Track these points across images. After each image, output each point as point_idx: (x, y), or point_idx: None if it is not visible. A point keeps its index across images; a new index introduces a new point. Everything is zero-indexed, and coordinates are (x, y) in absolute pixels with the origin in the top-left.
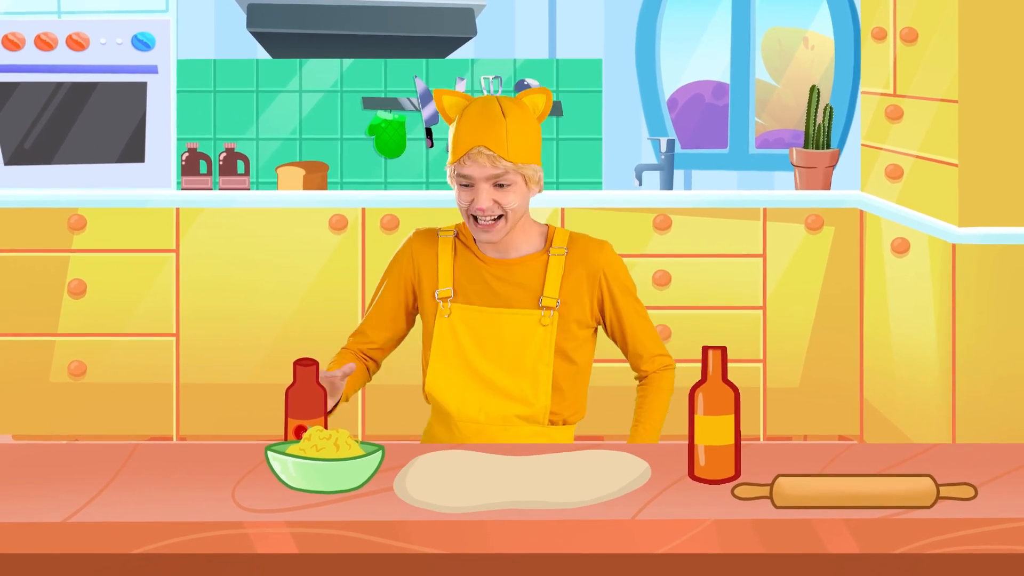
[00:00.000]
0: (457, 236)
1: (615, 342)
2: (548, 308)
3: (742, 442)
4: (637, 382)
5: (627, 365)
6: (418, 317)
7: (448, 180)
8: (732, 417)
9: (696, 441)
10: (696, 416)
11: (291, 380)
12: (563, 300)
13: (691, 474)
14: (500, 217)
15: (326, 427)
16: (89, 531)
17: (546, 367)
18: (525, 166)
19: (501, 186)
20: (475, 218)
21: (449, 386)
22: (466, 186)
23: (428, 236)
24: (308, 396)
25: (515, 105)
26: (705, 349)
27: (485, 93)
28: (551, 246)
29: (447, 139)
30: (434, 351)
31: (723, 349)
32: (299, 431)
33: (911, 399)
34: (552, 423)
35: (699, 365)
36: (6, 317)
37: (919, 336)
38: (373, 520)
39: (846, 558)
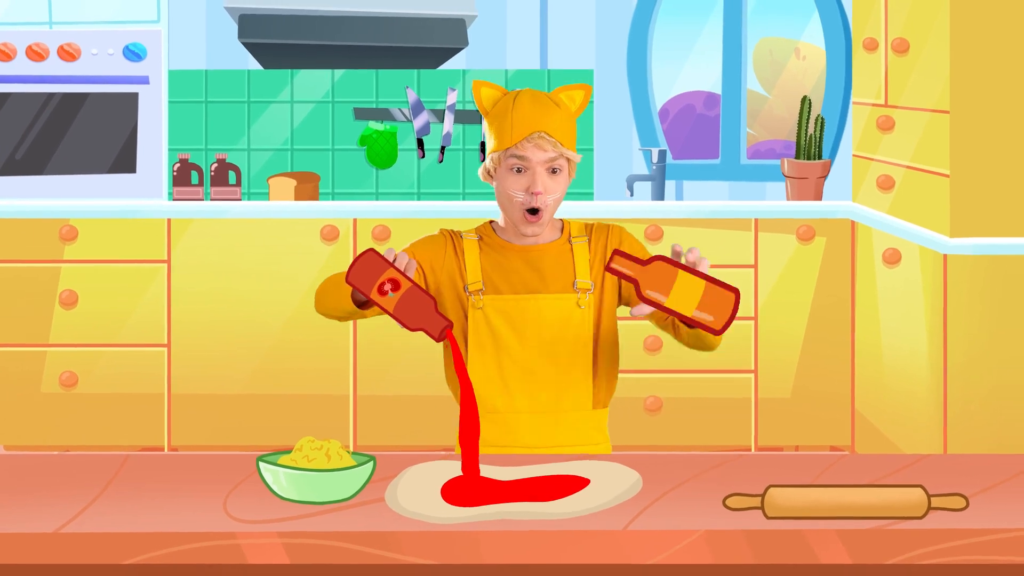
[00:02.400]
0: (480, 239)
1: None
2: (584, 291)
3: (733, 452)
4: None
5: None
6: None
7: (486, 172)
8: (680, 271)
9: (683, 312)
10: (663, 304)
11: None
12: (595, 283)
13: (714, 327)
14: (537, 211)
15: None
16: (81, 542)
17: (586, 349)
18: (574, 154)
19: (553, 171)
20: (529, 212)
21: (491, 379)
22: (519, 170)
23: (454, 235)
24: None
25: (558, 98)
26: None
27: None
28: (571, 236)
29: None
30: (471, 345)
31: (616, 251)
32: (381, 288)
33: (903, 409)
34: (596, 406)
35: (690, 376)
36: None
37: (911, 347)
38: (364, 531)
39: (838, 569)
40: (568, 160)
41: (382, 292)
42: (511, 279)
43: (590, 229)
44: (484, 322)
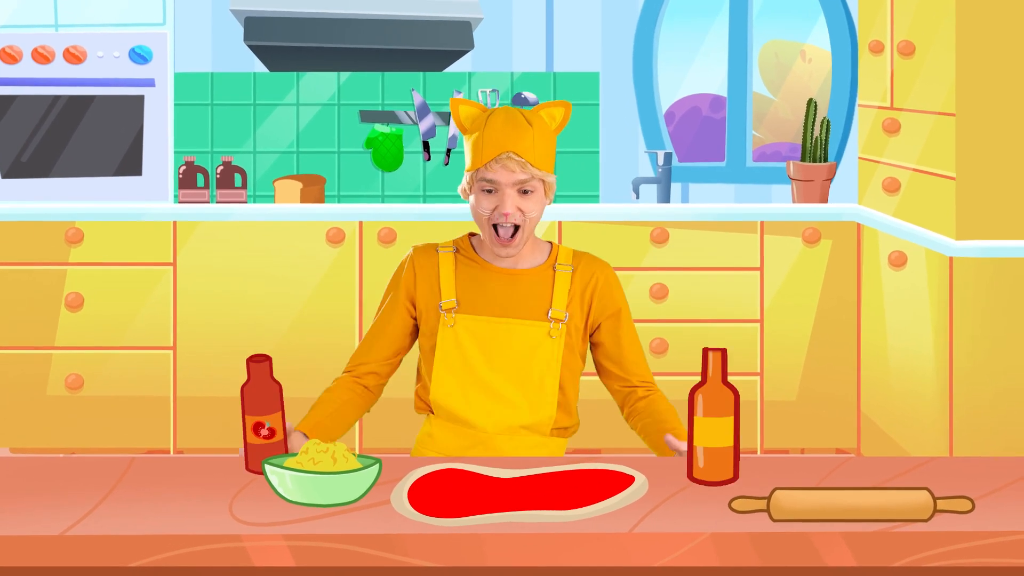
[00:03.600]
0: (457, 251)
1: (604, 364)
2: (557, 320)
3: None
4: (627, 405)
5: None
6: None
7: (463, 189)
8: (731, 419)
9: (695, 443)
10: (696, 418)
11: (246, 378)
12: (570, 314)
13: (690, 476)
14: (517, 230)
15: (283, 422)
16: (86, 544)
17: (553, 378)
18: (547, 174)
19: (525, 192)
20: (495, 229)
21: (454, 394)
22: (489, 191)
23: (427, 251)
24: (264, 391)
25: (536, 116)
26: (705, 351)
27: (485, 105)
28: (556, 262)
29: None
30: (438, 361)
31: (723, 351)
32: (257, 427)
33: (908, 412)
34: (553, 434)
35: (696, 379)
36: (3, 330)
37: (916, 349)
38: (370, 533)
39: (844, 571)
40: (542, 181)
41: (256, 430)
42: (485, 300)
43: (578, 259)
44: (454, 340)
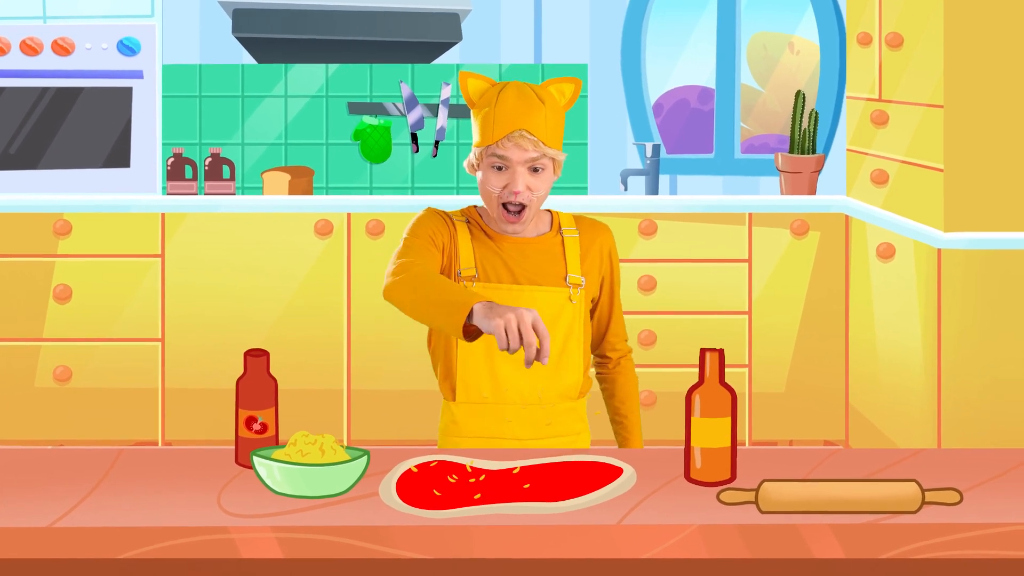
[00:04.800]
0: (468, 222)
1: (592, 322)
2: (575, 286)
3: None
4: (599, 365)
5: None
6: None
7: (470, 164)
8: (729, 420)
9: (692, 443)
10: (693, 418)
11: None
12: (585, 278)
13: (687, 476)
14: (523, 208)
15: (276, 417)
16: (75, 536)
17: (577, 342)
18: (558, 152)
19: (535, 170)
20: (503, 206)
21: (481, 367)
22: (499, 168)
23: (446, 215)
24: (259, 386)
25: (547, 93)
26: (703, 351)
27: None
28: (561, 227)
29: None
30: None
31: (720, 352)
32: (250, 421)
33: (897, 404)
34: (579, 397)
35: (684, 370)
36: None
37: (905, 341)
38: (358, 525)
39: (832, 563)
40: (552, 159)
41: (249, 424)
42: (503, 269)
43: (580, 222)
44: None
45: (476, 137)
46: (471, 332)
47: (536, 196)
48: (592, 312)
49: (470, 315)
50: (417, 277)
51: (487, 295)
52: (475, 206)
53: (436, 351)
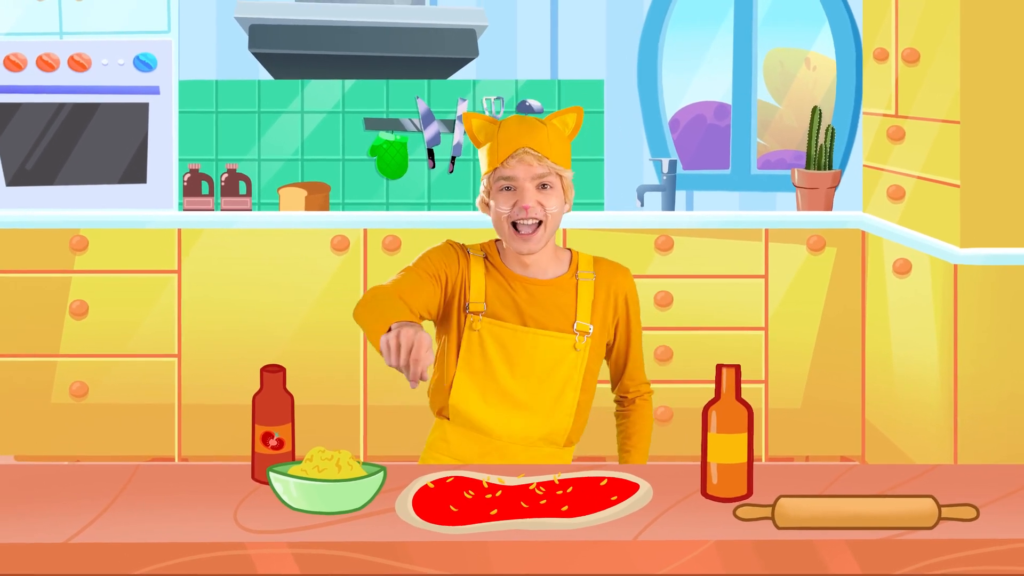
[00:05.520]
0: (486, 258)
1: (609, 363)
2: (582, 334)
3: None
4: (618, 404)
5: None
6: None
7: (481, 200)
8: (745, 435)
9: (709, 459)
10: (709, 434)
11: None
12: (594, 327)
13: (704, 492)
14: (539, 224)
15: (292, 433)
16: (91, 552)
17: (573, 391)
18: (565, 169)
19: (543, 187)
20: (515, 227)
21: (473, 399)
22: (508, 189)
23: (462, 248)
24: (276, 402)
25: (549, 121)
26: (719, 367)
27: (487, 114)
28: (578, 270)
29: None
30: (461, 363)
31: (737, 367)
32: (266, 437)
33: (913, 420)
34: (566, 444)
35: (701, 386)
36: (8, 338)
37: (921, 357)
38: (375, 541)
39: None
40: (560, 177)
41: (265, 440)
42: (512, 308)
43: (598, 265)
44: (478, 345)
45: (484, 168)
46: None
47: (549, 213)
48: (609, 353)
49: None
50: (371, 298)
51: (493, 331)
52: (496, 241)
53: (436, 377)
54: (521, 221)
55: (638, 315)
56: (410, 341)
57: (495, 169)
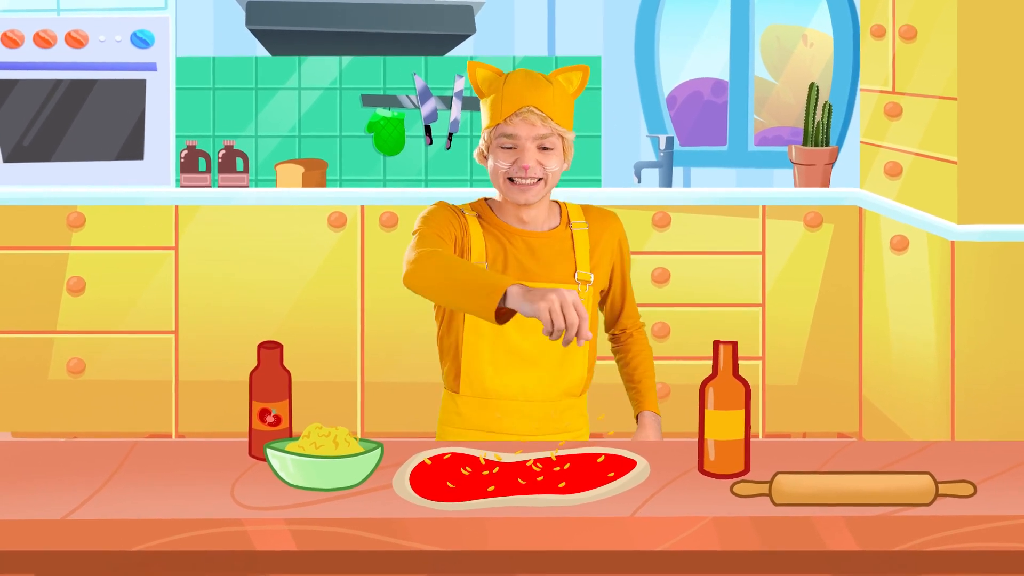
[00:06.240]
0: (479, 217)
1: (604, 308)
2: (584, 282)
3: None
4: (614, 341)
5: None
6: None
7: (479, 153)
8: (742, 412)
9: (706, 435)
10: (706, 411)
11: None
12: (594, 274)
13: (700, 468)
14: (539, 180)
15: (290, 409)
16: (88, 528)
17: None
18: (567, 131)
19: (544, 149)
20: (511, 181)
21: (485, 363)
22: (508, 148)
23: (456, 209)
24: (273, 379)
25: (554, 77)
26: (716, 344)
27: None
28: (570, 220)
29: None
30: (468, 329)
31: (734, 344)
32: (263, 414)
33: (910, 396)
34: (581, 393)
35: (698, 363)
36: (5, 315)
37: (918, 333)
38: (372, 517)
39: (845, 555)
40: (562, 138)
41: (263, 416)
42: (514, 264)
43: (588, 213)
44: None
45: (485, 121)
46: (502, 315)
47: (549, 171)
48: (604, 299)
49: (503, 298)
50: (442, 261)
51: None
52: (486, 199)
53: (445, 344)
54: (519, 178)
55: (629, 256)
56: (567, 301)
57: (497, 125)
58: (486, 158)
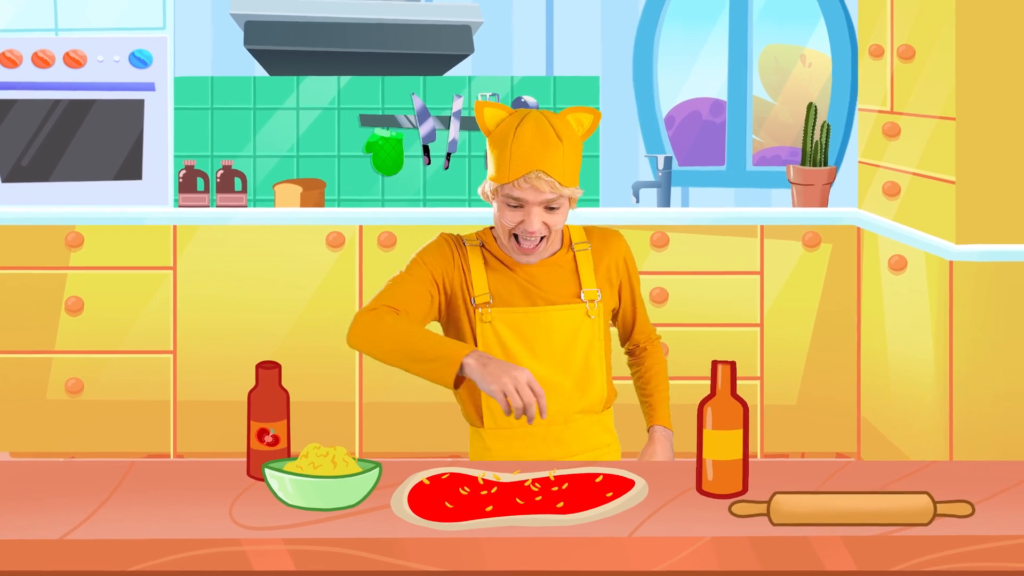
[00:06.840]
0: (483, 246)
1: (616, 323)
2: (591, 300)
3: None
4: (630, 355)
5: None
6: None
7: (485, 193)
8: (740, 432)
9: (704, 455)
10: (704, 431)
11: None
12: (601, 291)
13: (699, 488)
14: (542, 239)
15: (288, 429)
16: (86, 548)
17: (598, 357)
18: (575, 190)
19: (551, 208)
20: (516, 237)
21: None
22: (515, 207)
23: (458, 241)
24: (271, 398)
25: (566, 126)
26: (715, 364)
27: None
28: (572, 243)
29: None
30: None
31: (732, 364)
32: (261, 433)
33: (908, 416)
34: (604, 409)
35: (697, 382)
36: (3, 334)
37: (916, 353)
38: (370, 537)
39: (843, 575)
40: (569, 198)
41: (261, 436)
42: (518, 292)
43: (590, 234)
44: (493, 335)
45: (491, 171)
46: (458, 380)
47: (553, 229)
48: (615, 316)
49: (460, 368)
50: (390, 326)
51: (505, 319)
52: (491, 228)
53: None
54: (523, 239)
55: (637, 272)
56: (520, 382)
57: (504, 184)
58: (490, 200)
